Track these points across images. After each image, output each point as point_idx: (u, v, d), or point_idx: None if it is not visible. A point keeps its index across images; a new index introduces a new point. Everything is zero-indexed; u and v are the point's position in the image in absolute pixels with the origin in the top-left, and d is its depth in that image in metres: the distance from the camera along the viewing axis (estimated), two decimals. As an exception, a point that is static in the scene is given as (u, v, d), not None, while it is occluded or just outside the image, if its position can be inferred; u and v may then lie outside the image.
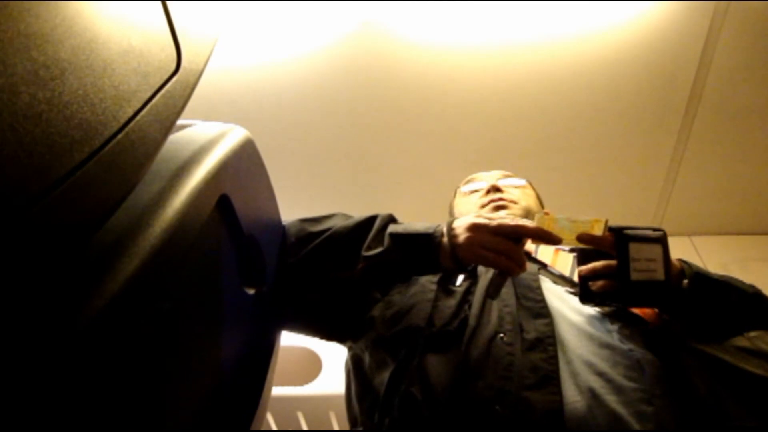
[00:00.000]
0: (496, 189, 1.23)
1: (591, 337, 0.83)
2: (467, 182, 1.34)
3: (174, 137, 0.72)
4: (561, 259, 1.01)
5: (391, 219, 1.00)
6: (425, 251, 0.89)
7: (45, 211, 0.39)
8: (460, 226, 0.88)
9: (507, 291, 0.91)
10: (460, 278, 0.98)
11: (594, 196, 2.07)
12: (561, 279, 0.97)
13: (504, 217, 0.88)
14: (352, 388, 0.98)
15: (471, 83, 1.85)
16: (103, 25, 0.47)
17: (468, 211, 1.25)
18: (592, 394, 0.76)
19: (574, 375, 0.79)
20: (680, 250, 2.09)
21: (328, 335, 1.08)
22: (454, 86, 1.86)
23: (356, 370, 0.98)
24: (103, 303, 0.47)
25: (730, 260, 2.00)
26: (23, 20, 0.37)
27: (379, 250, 0.92)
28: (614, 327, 0.84)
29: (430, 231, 0.90)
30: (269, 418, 1.61)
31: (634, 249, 0.81)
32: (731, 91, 1.84)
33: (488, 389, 0.79)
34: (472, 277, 0.96)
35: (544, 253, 1.07)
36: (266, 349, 0.97)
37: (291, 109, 1.90)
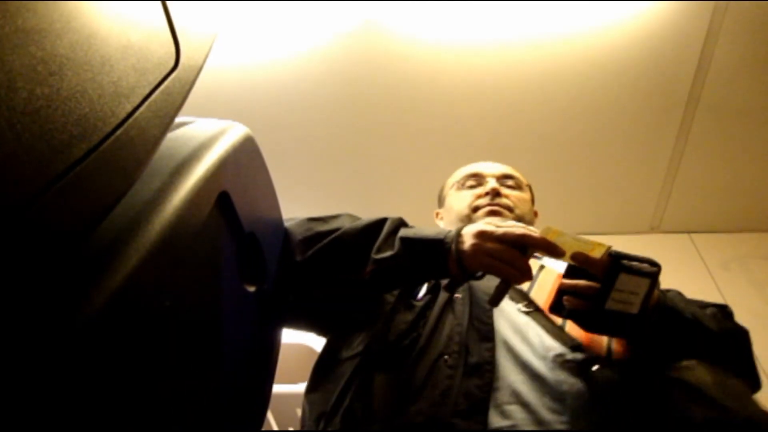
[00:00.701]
0: (496, 193, 1.21)
1: (524, 366, 0.83)
2: (468, 176, 1.31)
3: (173, 134, 0.72)
4: None
5: (402, 223, 0.99)
6: (435, 257, 0.88)
7: (44, 207, 0.39)
8: (468, 233, 0.87)
9: (462, 310, 0.91)
10: (422, 292, 0.98)
11: (594, 193, 2.07)
12: (519, 295, 0.96)
13: (511, 226, 0.87)
14: (308, 394, 0.98)
15: (470, 82, 1.85)
16: (102, 21, 0.46)
17: (460, 207, 1.24)
18: (514, 425, 0.76)
19: (501, 404, 0.79)
20: (680, 247, 2.10)
21: (329, 333, 1.08)
22: (454, 84, 1.86)
23: (314, 381, 0.98)
24: (103, 300, 0.47)
25: (730, 258, 2.01)
26: (21, 15, 0.37)
27: (389, 254, 0.90)
28: (551, 355, 0.83)
29: (441, 237, 0.89)
30: (269, 415, 1.61)
31: (623, 280, 0.81)
32: (730, 89, 1.84)
33: (420, 415, 0.79)
34: (434, 292, 0.96)
35: None
36: (268, 346, 0.96)
37: (292, 107, 1.90)
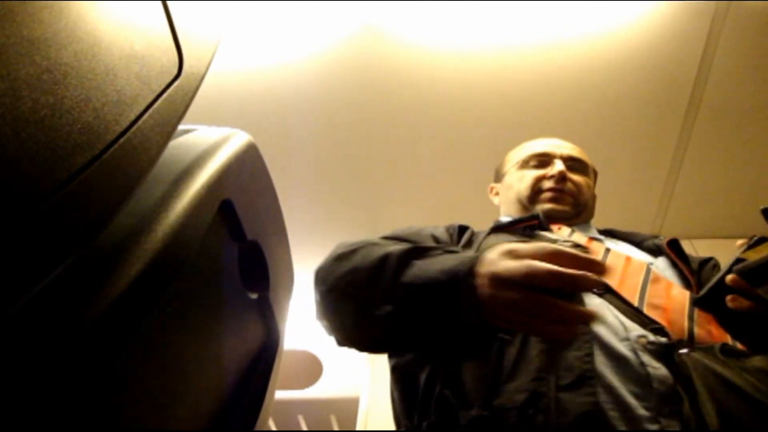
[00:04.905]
0: (562, 177, 1.13)
1: (605, 347, 0.79)
2: (534, 156, 1.21)
3: (176, 142, 0.72)
4: (633, 268, 0.91)
5: (412, 254, 0.79)
6: (446, 307, 0.70)
7: (47, 214, 0.39)
8: (484, 274, 0.67)
9: None
10: None
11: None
12: (625, 305, 0.85)
13: (538, 250, 0.65)
14: (393, 390, 0.95)
15: (470, 86, 1.86)
16: (106, 30, 0.47)
17: (521, 187, 1.16)
18: (596, 408, 0.73)
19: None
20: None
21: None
22: (453, 89, 1.86)
23: (396, 372, 0.94)
24: (105, 307, 0.47)
25: (732, 263, 2.00)
26: (26, 25, 0.37)
27: (388, 309, 0.74)
28: (633, 335, 0.80)
29: (446, 278, 0.70)
30: (270, 421, 1.61)
31: None
32: (732, 92, 1.84)
33: (521, 391, 0.74)
34: None
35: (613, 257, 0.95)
36: (269, 353, 0.96)
37: (294, 113, 1.91)
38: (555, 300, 0.62)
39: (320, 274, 0.91)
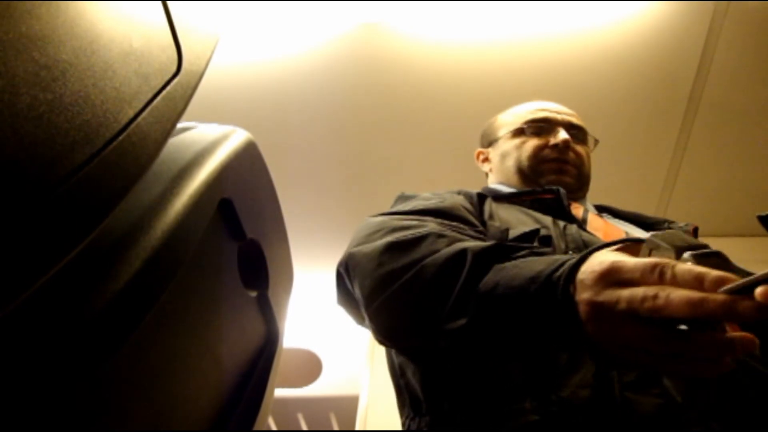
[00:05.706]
0: (566, 146, 1.05)
1: None
2: (533, 122, 1.11)
3: (175, 139, 0.72)
4: None
5: (492, 254, 0.65)
6: (535, 328, 0.58)
7: (46, 212, 0.39)
8: (584, 301, 0.53)
9: None
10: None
11: (593, 197, 2.07)
12: None
13: (649, 270, 0.48)
14: (408, 369, 0.86)
15: (468, 83, 1.86)
16: (105, 27, 0.47)
17: (522, 157, 1.08)
18: (664, 410, 0.67)
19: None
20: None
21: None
22: (451, 86, 1.86)
23: (419, 355, 0.85)
24: (104, 304, 0.47)
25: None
26: (24, 21, 0.37)
27: (462, 323, 0.62)
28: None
29: (533, 287, 0.56)
30: (270, 420, 1.61)
31: None
32: (731, 91, 1.84)
33: (584, 387, 0.66)
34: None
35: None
36: (269, 351, 0.96)
37: (293, 110, 1.91)
38: (691, 337, 0.46)
39: (361, 261, 0.78)
